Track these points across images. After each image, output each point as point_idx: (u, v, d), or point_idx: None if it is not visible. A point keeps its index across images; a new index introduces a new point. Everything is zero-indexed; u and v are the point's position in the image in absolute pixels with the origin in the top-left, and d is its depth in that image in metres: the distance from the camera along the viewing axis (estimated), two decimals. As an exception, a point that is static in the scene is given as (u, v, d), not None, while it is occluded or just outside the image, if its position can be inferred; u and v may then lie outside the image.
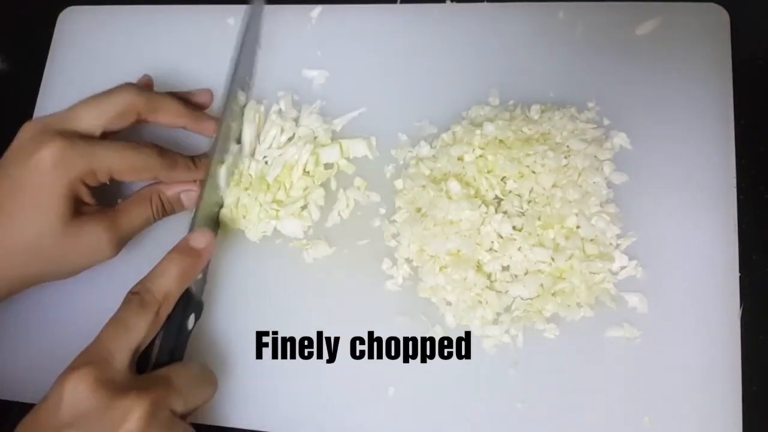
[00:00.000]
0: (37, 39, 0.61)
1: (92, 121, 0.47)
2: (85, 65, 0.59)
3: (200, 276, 0.47)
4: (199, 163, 0.51)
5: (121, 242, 0.48)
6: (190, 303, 0.46)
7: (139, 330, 0.41)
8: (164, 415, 0.40)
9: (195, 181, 0.51)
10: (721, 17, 0.51)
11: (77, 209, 0.46)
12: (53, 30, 0.61)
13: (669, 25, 0.52)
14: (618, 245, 0.47)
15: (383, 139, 0.53)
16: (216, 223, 0.51)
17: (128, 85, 0.50)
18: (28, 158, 0.45)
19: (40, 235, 0.45)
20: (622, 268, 0.47)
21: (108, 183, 0.48)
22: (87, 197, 0.47)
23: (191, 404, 0.42)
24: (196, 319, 0.47)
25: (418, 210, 0.49)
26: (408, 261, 0.49)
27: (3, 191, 0.45)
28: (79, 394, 0.38)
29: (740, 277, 0.46)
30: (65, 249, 0.46)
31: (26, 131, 0.47)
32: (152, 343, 0.43)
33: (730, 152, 0.48)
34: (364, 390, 0.47)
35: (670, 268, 0.47)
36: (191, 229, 0.47)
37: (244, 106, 0.54)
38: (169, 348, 0.44)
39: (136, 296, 0.42)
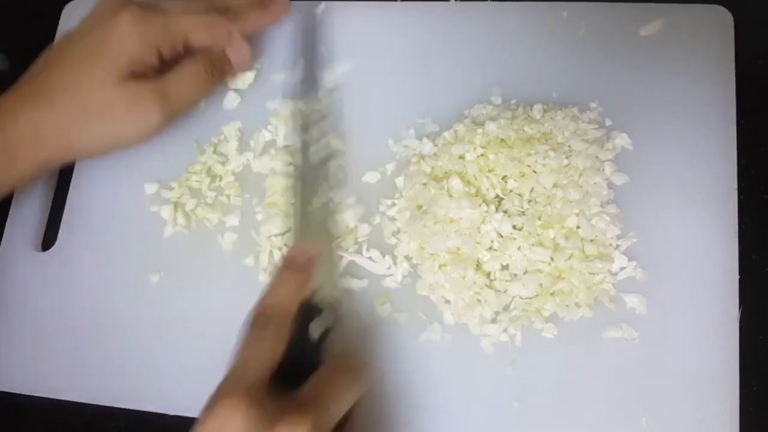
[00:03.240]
0: (38, 39, 0.61)
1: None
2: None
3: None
4: (265, 6, 0.53)
5: (171, 113, 0.49)
6: (311, 314, 0.44)
7: (271, 346, 0.40)
8: (326, 425, 0.38)
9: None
10: (725, 19, 0.51)
11: (136, 74, 0.47)
12: (53, 30, 0.61)
13: (673, 26, 0.52)
14: (618, 246, 0.47)
15: (385, 137, 0.53)
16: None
17: None
18: (105, 22, 0.47)
19: (91, 88, 0.46)
20: (622, 268, 0.47)
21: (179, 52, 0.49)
22: (153, 65, 0.48)
23: (346, 404, 0.40)
24: (329, 329, 0.44)
25: (419, 208, 0.49)
26: (407, 258, 0.49)
27: (79, 48, 0.47)
28: (237, 422, 0.36)
29: (740, 277, 0.46)
30: (115, 111, 0.47)
31: (106, 1, 0.49)
32: (283, 360, 0.41)
33: (731, 154, 0.48)
34: (362, 387, 0.47)
35: (669, 269, 0.47)
36: (294, 242, 0.48)
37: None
38: (297, 360, 0.42)
39: (259, 314, 0.42)
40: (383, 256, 0.50)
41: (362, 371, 0.43)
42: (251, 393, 0.37)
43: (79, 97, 0.47)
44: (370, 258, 0.50)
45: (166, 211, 0.53)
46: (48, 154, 0.48)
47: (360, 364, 0.45)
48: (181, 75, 0.50)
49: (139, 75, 0.48)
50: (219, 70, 0.52)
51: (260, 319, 0.42)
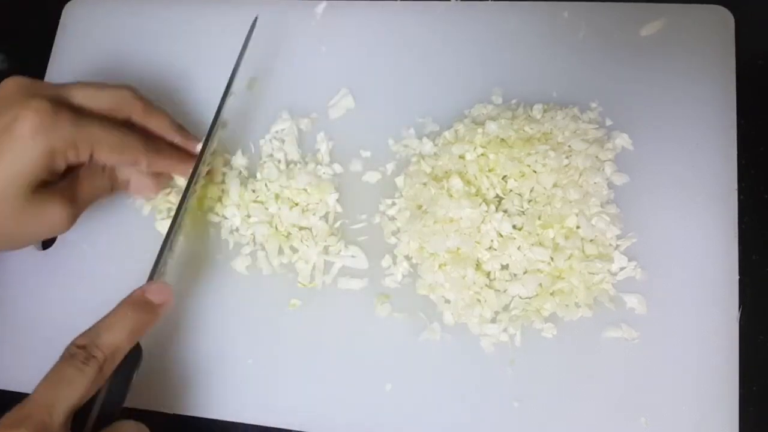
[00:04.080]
0: (38, 39, 0.61)
1: (84, 101, 0.45)
2: (90, 57, 0.59)
3: None
4: (185, 156, 0.49)
5: (77, 216, 0.46)
6: (137, 358, 0.43)
7: (81, 387, 0.38)
8: None
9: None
10: (725, 19, 0.51)
11: (45, 180, 0.43)
12: (53, 29, 0.61)
13: (674, 26, 0.52)
14: (618, 246, 0.47)
15: (385, 136, 0.53)
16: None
17: (129, 87, 0.48)
18: (5, 117, 0.42)
19: (3, 199, 0.42)
20: (622, 268, 0.47)
21: (85, 162, 0.45)
22: (56, 173, 0.44)
23: None
24: (137, 368, 0.43)
25: (419, 207, 0.49)
26: (407, 258, 0.49)
27: None
28: None
29: (740, 277, 0.46)
30: (22, 221, 0.43)
31: (8, 87, 0.43)
32: (92, 399, 0.40)
33: (731, 154, 0.48)
34: (362, 386, 0.47)
35: (669, 269, 0.47)
36: (150, 277, 0.45)
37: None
38: (111, 402, 0.41)
39: (81, 350, 0.39)
40: (361, 252, 0.50)
41: None
42: (37, 428, 0.36)
43: None
44: (351, 256, 0.50)
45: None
46: None
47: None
48: (85, 183, 0.47)
49: (49, 174, 0.44)
50: (117, 187, 0.50)
51: (84, 353, 0.39)
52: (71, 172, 0.46)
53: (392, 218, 0.50)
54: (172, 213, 0.50)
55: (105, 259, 0.53)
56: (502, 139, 0.49)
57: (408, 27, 0.56)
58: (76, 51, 0.60)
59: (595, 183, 0.48)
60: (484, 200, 0.47)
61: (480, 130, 0.49)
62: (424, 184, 0.49)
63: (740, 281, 0.46)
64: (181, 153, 0.50)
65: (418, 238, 0.48)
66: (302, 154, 0.53)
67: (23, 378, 0.50)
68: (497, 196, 0.48)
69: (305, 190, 0.51)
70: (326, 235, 0.50)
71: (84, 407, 0.39)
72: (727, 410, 0.44)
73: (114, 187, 0.50)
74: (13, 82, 0.44)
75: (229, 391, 0.48)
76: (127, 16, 0.60)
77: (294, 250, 0.51)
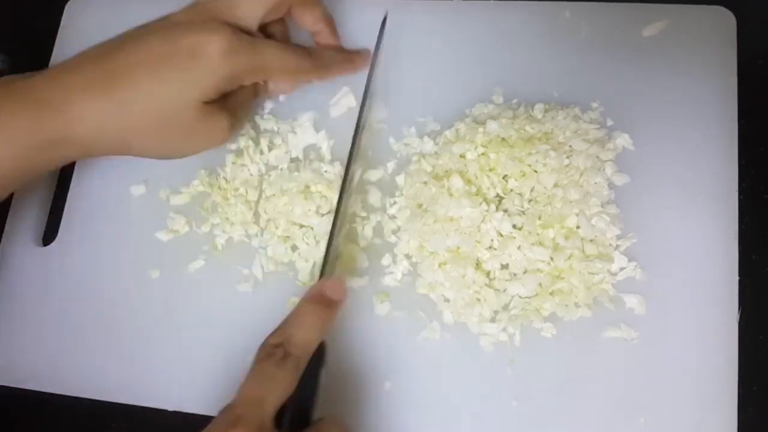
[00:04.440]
0: (38, 39, 0.61)
1: (251, 12, 0.47)
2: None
3: None
4: (348, 56, 0.53)
5: (238, 127, 0.50)
6: (323, 355, 0.43)
7: (284, 383, 0.39)
8: None
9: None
10: (727, 20, 0.51)
11: (215, 97, 0.47)
12: (53, 29, 0.61)
13: (676, 27, 0.52)
14: (618, 246, 0.47)
15: (386, 135, 0.53)
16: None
17: None
18: (200, 33, 0.45)
19: (178, 111, 0.45)
20: (622, 269, 0.47)
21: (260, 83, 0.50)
22: (233, 89, 0.48)
23: None
24: (324, 366, 0.43)
25: (419, 206, 0.49)
26: (407, 257, 0.49)
27: (164, 50, 0.45)
28: None
29: (740, 277, 0.46)
30: (193, 133, 0.47)
31: (193, 8, 0.47)
32: (291, 399, 0.40)
33: (732, 154, 0.48)
34: (361, 384, 0.47)
35: (669, 270, 0.47)
36: (321, 275, 0.46)
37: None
38: (305, 402, 0.41)
39: (279, 349, 0.40)
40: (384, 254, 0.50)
41: None
42: (254, 425, 0.37)
43: (158, 111, 0.45)
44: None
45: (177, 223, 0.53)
46: (103, 150, 0.47)
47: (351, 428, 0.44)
48: (245, 95, 0.50)
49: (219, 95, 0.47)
50: (263, 90, 0.52)
51: (280, 351, 0.40)
52: None
53: (392, 217, 0.50)
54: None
55: (104, 255, 0.53)
56: (503, 139, 0.49)
57: (409, 26, 0.56)
58: (77, 51, 0.59)
59: (595, 183, 0.48)
60: (485, 199, 0.47)
61: (481, 130, 0.49)
62: (425, 183, 0.49)
63: (740, 281, 0.46)
64: (345, 55, 0.53)
65: (419, 236, 0.48)
66: (305, 153, 0.54)
67: (24, 373, 0.51)
68: (497, 195, 0.48)
69: (308, 187, 0.51)
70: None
71: (280, 408, 0.39)
72: (727, 411, 0.44)
73: (257, 92, 0.52)
74: (196, 5, 0.47)
75: (227, 389, 0.48)
76: (127, 16, 0.60)
77: (294, 248, 0.51)
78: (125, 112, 0.45)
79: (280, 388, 0.39)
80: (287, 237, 0.51)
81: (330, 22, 0.53)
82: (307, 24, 0.52)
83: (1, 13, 0.65)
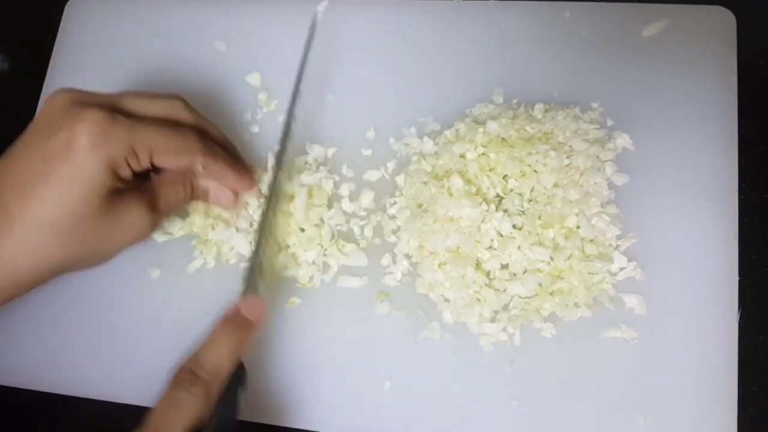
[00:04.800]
0: (38, 39, 0.61)
1: (136, 108, 0.44)
2: (91, 57, 0.59)
3: None
4: (241, 167, 0.49)
5: (157, 224, 0.45)
6: (242, 375, 0.43)
7: (191, 409, 0.38)
8: None
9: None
10: (727, 20, 0.51)
11: (115, 188, 0.43)
12: (53, 29, 0.61)
13: (676, 27, 0.52)
14: (618, 246, 0.47)
15: (386, 135, 0.53)
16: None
17: (179, 96, 0.47)
18: (62, 131, 0.40)
19: (77, 216, 0.41)
20: (621, 269, 0.47)
21: (147, 168, 0.45)
22: (124, 179, 0.43)
23: None
24: (244, 387, 0.44)
25: (419, 206, 0.49)
26: (407, 257, 0.49)
27: (30, 166, 0.41)
28: None
29: (740, 277, 0.46)
30: (104, 231, 0.42)
31: (58, 100, 0.42)
32: (204, 423, 0.40)
33: (732, 154, 0.48)
34: (361, 384, 0.47)
35: (669, 270, 0.47)
36: (242, 293, 0.45)
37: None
38: (223, 423, 0.41)
39: (188, 374, 0.39)
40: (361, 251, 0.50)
41: None
42: None
43: (66, 228, 0.41)
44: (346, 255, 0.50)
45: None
46: (32, 281, 0.43)
47: None
48: (166, 188, 0.46)
49: (118, 179, 0.43)
50: (197, 196, 0.49)
51: (189, 376, 0.39)
52: (152, 177, 0.46)
53: (392, 217, 0.50)
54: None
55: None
56: (503, 139, 0.49)
57: (410, 26, 0.56)
58: (77, 51, 0.60)
59: (595, 183, 0.48)
60: (485, 199, 0.47)
61: (481, 130, 0.49)
62: (425, 183, 0.49)
63: (740, 281, 0.46)
64: (236, 161, 0.49)
65: (418, 236, 0.48)
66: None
67: (23, 373, 0.51)
68: (497, 195, 0.48)
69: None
70: (328, 239, 0.50)
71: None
72: (726, 411, 0.44)
73: (194, 196, 0.48)
74: (64, 95, 0.43)
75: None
76: (127, 16, 0.60)
77: (295, 257, 0.50)
78: (29, 242, 0.41)
79: (188, 414, 0.38)
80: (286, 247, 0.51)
81: (232, 148, 0.50)
82: (211, 175, 0.48)
83: (1, 13, 0.65)
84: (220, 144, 0.48)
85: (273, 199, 0.48)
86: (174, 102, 0.47)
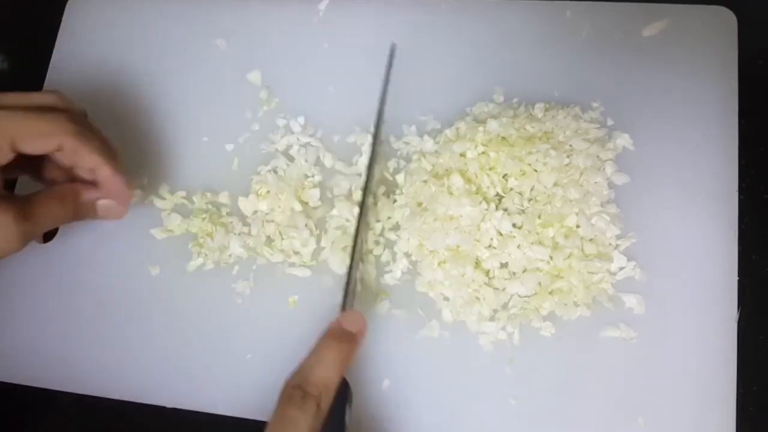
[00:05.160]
0: (38, 39, 0.61)
1: (7, 102, 0.43)
2: (91, 57, 0.59)
3: None
4: (114, 154, 0.47)
5: (29, 236, 0.43)
6: (347, 390, 0.43)
7: (305, 425, 0.38)
8: None
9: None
10: (728, 20, 0.51)
11: None
12: (53, 29, 0.61)
13: (676, 26, 0.52)
14: (617, 246, 0.47)
15: (387, 133, 0.53)
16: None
17: (57, 92, 0.46)
18: None
19: None
20: (621, 268, 0.47)
21: (15, 161, 0.43)
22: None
23: None
24: (350, 405, 0.43)
25: (419, 204, 0.49)
26: (407, 255, 0.49)
27: None
28: None
29: (740, 277, 0.46)
30: None
31: None
32: None
33: (733, 155, 0.48)
34: (360, 382, 0.47)
35: (668, 270, 0.47)
36: (343, 308, 0.45)
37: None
38: None
39: (297, 390, 0.39)
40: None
41: None
42: None
43: None
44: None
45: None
46: None
47: None
48: (42, 204, 0.44)
49: None
50: (82, 213, 0.47)
51: (300, 393, 0.39)
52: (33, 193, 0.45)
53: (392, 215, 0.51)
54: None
55: (103, 251, 0.53)
56: (503, 138, 0.49)
57: (411, 24, 0.56)
58: (77, 50, 0.60)
59: (595, 182, 0.48)
60: (485, 198, 0.47)
61: (481, 129, 0.49)
62: (425, 181, 0.49)
63: (740, 281, 0.46)
64: (114, 157, 0.47)
65: (418, 235, 0.48)
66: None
67: (25, 370, 0.51)
68: (497, 194, 0.48)
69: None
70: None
71: None
72: (725, 411, 0.44)
73: (78, 212, 0.47)
74: None
75: (226, 386, 0.48)
76: (128, 15, 0.60)
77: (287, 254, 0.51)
78: None
79: (299, 429, 0.38)
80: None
81: (112, 156, 0.47)
82: (84, 163, 0.46)
83: (1, 13, 0.65)
84: (100, 143, 0.46)
85: (363, 215, 0.48)
86: (48, 93, 0.46)
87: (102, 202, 0.47)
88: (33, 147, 0.43)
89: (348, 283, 0.46)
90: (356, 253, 0.47)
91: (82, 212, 0.47)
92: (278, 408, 0.39)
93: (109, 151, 0.46)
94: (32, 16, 0.63)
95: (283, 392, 0.40)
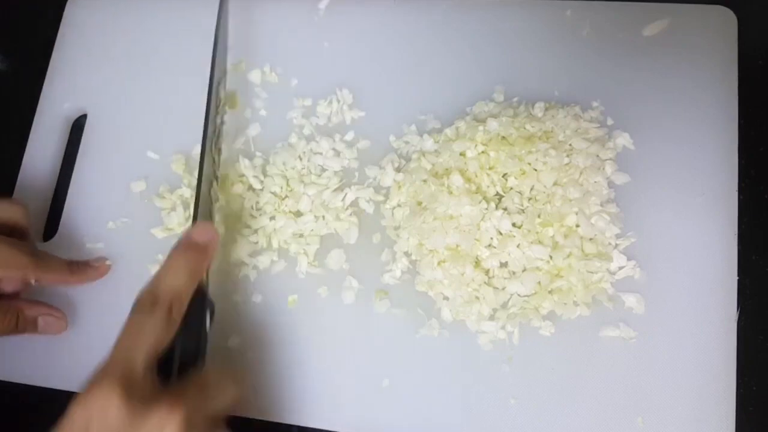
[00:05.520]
0: (38, 39, 0.61)
1: None
2: (92, 57, 0.59)
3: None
4: (77, 269, 0.50)
5: None
6: (204, 302, 0.44)
7: (154, 332, 0.39)
8: (199, 422, 0.37)
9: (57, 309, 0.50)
10: (729, 20, 0.51)
11: None
12: (54, 29, 0.61)
13: (676, 26, 0.52)
14: (617, 245, 0.47)
15: (387, 133, 0.53)
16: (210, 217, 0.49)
17: (19, 206, 0.50)
18: None
19: None
20: (621, 268, 0.47)
21: None
22: None
23: (222, 406, 0.40)
24: (211, 319, 0.44)
25: (419, 204, 0.49)
26: (407, 254, 0.49)
27: None
28: (108, 410, 0.35)
29: (740, 277, 0.46)
30: None
31: None
32: (172, 347, 0.40)
33: (733, 155, 0.48)
34: (359, 381, 0.47)
35: (668, 269, 0.47)
36: (194, 221, 0.46)
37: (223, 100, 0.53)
38: (190, 351, 0.41)
39: (147, 296, 0.40)
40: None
41: (242, 381, 0.44)
42: (127, 382, 0.36)
43: None
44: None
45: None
46: None
47: (240, 375, 0.45)
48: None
49: None
50: (22, 328, 0.49)
51: (147, 301, 0.40)
52: None
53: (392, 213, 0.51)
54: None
55: (104, 251, 0.53)
56: (503, 137, 0.49)
57: (411, 24, 0.56)
58: (77, 50, 0.60)
59: (595, 182, 0.48)
60: (484, 198, 0.47)
61: (481, 128, 0.49)
62: (425, 180, 0.49)
63: (740, 281, 0.46)
64: (72, 265, 0.50)
65: (418, 234, 0.48)
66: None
67: (25, 369, 0.51)
68: (497, 193, 0.48)
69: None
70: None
71: (166, 359, 0.40)
72: (724, 411, 0.44)
73: (20, 325, 0.49)
74: None
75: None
76: (127, 16, 0.60)
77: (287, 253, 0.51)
78: None
79: (150, 336, 0.38)
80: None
81: (74, 270, 0.51)
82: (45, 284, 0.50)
83: (1, 13, 0.65)
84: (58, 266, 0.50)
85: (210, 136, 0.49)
86: (9, 209, 0.48)
87: (43, 319, 0.50)
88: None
89: (197, 197, 0.46)
90: (203, 168, 0.47)
91: (23, 327, 0.49)
92: (129, 316, 0.40)
93: (71, 267, 0.50)
94: (32, 16, 0.63)
95: (135, 301, 0.40)
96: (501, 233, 0.47)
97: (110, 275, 0.52)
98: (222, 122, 0.52)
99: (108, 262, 0.52)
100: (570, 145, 0.49)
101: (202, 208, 0.47)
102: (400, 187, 0.50)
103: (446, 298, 0.47)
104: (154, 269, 0.52)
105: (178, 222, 0.53)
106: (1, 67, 0.63)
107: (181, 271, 0.42)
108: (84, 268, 0.51)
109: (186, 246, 0.43)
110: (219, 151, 0.51)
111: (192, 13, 0.59)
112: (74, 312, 0.52)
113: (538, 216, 0.47)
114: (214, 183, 0.50)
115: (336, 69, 0.56)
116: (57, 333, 0.50)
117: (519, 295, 0.46)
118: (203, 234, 0.44)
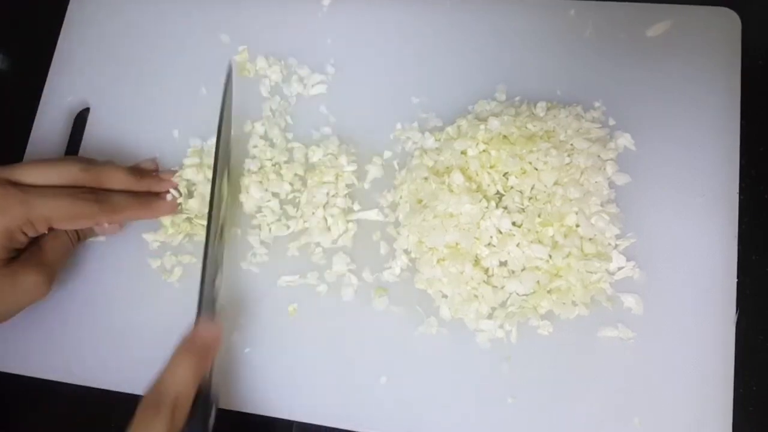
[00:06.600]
0: (38, 39, 0.61)
1: (33, 179, 0.46)
2: (93, 56, 0.59)
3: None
4: (146, 202, 0.51)
5: (52, 279, 0.48)
6: (208, 399, 0.44)
7: None
8: None
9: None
10: (732, 21, 0.51)
11: (10, 257, 0.46)
12: (54, 29, 0.61)
13: (680, 27, 0.52)
14: (617, 245, 0.47)
15: (388, 131, 0.53)
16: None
17: (77, 159, 0.50)
18: None
19: None
20: (620, 268, 0.47)
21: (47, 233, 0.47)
22: (21, 245, 0.47)
23: None
24: (215, 414, 0.45)
25: (419, 201, 0.49)
26: (406, 252, 0.49)
27: None
28: None
29: (739, 277, 0.46)
30: (2, 296, 0.45)
31: None
32: None
33: (734, 157, 0.48)
34: (357, 378, 0.47)
35: (667, 270, 0.47)
36: (198, 315, 0.46)
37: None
38: None
39: (152, 397, 0.41)
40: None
41: None
42: None
43: None
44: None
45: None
46: None
47: None
48: (51, 245, 0.48)
49: (13, 249, 0.46)
50: (83, 235, 0.52)
51: (153, 403, 0.41)
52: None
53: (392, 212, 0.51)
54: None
55: (104, 249, 0.54)
56: (505, 136, 0.49)
57: (415, 21, 0.56)
58: (80, 50, 0.60)
59: (596, 182, 0.48)
60: (485, 196, 0.47)
61: (482, 127, 0.49)
62: (425, 178, 0.49)
63: (739, 281, 0.46)
64: (141, 198, 0.51)
65: (418, 232, 0.48)
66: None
67: (27, 363, 0.51)
68: (498, 192, 0.48)
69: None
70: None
71: None
72: (722, 411, 0.44)
73: (80, 237, 0.51)
74: None
75: (225, 382, 0.49)
76: (128, 16, 0.60)
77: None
78: None
79: None
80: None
81: (134, 179, 0.51)
82: (116, 187, 0.50)
83: (1, 13, 0.65)
84: (127, 181, 0.50)
85: (214, 222, 0.48)
86: (70, 166, 0.48)
87: (99, 227, 0.51)
88: (67, 227, 0.49)
89: (202, 289, 0.46)
90: (209, 258, 0.47)
91: (82, 236, 0.52)
92: (133, 419, 0.40)
93: (136, 199, 0.50)
94: (33, 15, 0.64)
95: (141, 402, 0.41)
96: (501, 232, 0.47)
97: (109, 269, 0.53)
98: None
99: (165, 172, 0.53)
100: (571, 144, 0.48)
101: (207, 300, 0.47)
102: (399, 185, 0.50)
103: (445, 296, 0.47)
104: (154, 264, 0.52)
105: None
106: (1, 67, 0.63)
107: (186, 373, 0.42)
108: (154, 200, 0.52)
109: (190, 345, 0.44)
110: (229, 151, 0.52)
111: (195, 7, 0.59)
112: (70, 310, 0.52)
113: (538, 215, 0.47)
114: (225, 178, 0.50)
115: (338, 65, 0.56)
116: (111, 234, 0.52)
117: (518, 294, 0.46)
118: (209, 333, 0.45)
